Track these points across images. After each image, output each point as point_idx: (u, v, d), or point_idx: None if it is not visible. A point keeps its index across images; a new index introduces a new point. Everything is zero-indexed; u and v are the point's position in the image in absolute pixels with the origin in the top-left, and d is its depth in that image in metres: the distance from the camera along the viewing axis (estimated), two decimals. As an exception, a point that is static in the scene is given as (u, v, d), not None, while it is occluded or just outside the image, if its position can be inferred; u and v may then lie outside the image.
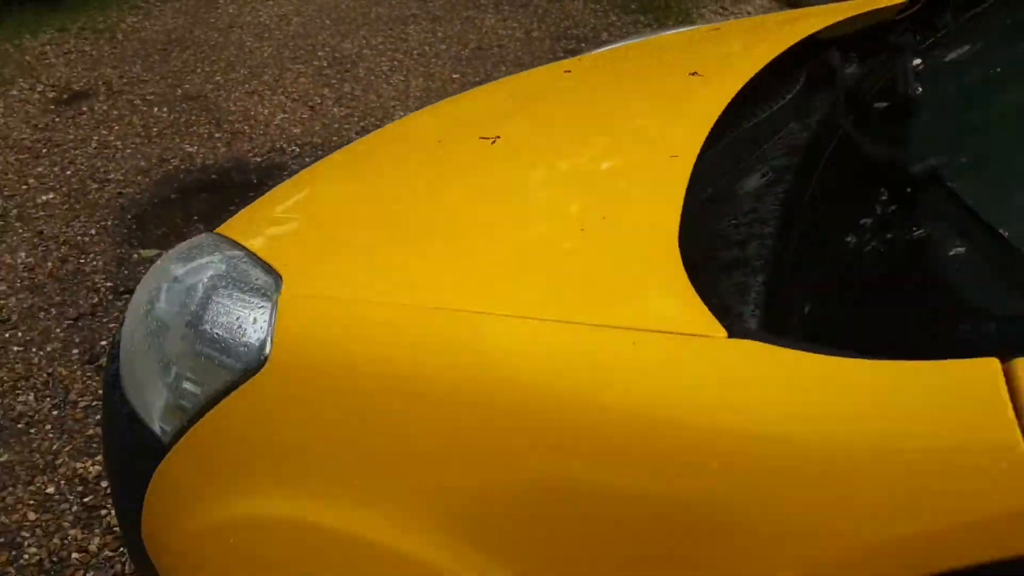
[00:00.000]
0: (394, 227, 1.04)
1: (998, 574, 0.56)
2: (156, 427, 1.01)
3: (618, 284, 0.82)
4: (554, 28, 5.59)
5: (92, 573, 1.85)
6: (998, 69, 1.14)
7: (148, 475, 1.04)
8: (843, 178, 1.06)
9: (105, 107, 4.21)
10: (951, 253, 0.83)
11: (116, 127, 4.00)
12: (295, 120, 4.14)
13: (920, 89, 1.06)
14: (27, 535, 1.93)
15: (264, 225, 1.19)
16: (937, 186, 0.87)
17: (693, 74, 1.23)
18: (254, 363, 0.89)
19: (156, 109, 4.21)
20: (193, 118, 4.12)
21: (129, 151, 3.79)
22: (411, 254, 0.97)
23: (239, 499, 0.89)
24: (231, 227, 1.20)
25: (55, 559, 1.88)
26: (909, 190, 0.91)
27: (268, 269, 0.99)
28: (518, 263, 0.89)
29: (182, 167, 3.67)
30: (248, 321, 0.92)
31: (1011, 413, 0.56)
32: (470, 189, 1.11)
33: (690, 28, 1.85)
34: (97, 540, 1.91)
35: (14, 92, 4.35)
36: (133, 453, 1.07)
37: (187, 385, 0.97)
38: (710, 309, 0.74)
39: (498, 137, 1.17)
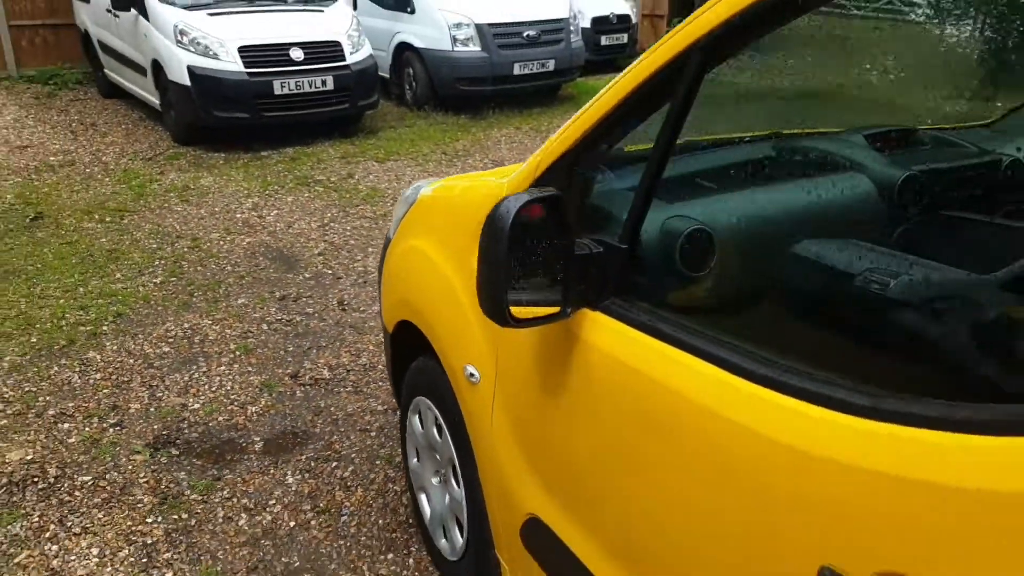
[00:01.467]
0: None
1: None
2: (392, 234, 2.50)
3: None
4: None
5: (379, 373, 3.43)
6: None
7: (383, 260, 2.54)
8: None
9: (515, 177, 6.15)
10: None
11: (515, 189, 5.88)
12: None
13: None
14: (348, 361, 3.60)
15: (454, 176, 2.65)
16: None
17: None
18: (414, 202, 2.33)
19: (545, 182, 6.02)
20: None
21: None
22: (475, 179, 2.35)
23: (404, 243, 2.32)
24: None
25: (370, 368, 3.50)
26: None
27: (434, 183, 2.44)
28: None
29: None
30: (419, 193, 2.38)
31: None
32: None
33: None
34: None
35: (469, 162, 6.56)
36: (384, 252, 2.58)
37: (402, 215, 2.44)
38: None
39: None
